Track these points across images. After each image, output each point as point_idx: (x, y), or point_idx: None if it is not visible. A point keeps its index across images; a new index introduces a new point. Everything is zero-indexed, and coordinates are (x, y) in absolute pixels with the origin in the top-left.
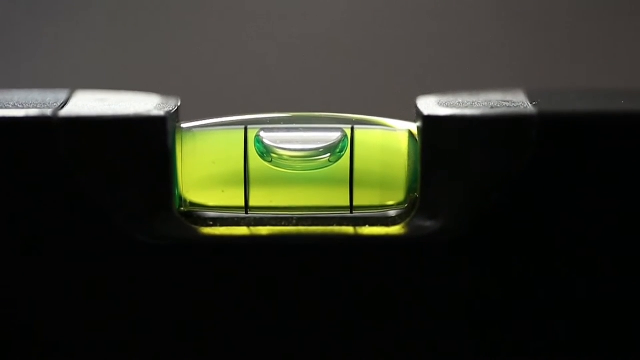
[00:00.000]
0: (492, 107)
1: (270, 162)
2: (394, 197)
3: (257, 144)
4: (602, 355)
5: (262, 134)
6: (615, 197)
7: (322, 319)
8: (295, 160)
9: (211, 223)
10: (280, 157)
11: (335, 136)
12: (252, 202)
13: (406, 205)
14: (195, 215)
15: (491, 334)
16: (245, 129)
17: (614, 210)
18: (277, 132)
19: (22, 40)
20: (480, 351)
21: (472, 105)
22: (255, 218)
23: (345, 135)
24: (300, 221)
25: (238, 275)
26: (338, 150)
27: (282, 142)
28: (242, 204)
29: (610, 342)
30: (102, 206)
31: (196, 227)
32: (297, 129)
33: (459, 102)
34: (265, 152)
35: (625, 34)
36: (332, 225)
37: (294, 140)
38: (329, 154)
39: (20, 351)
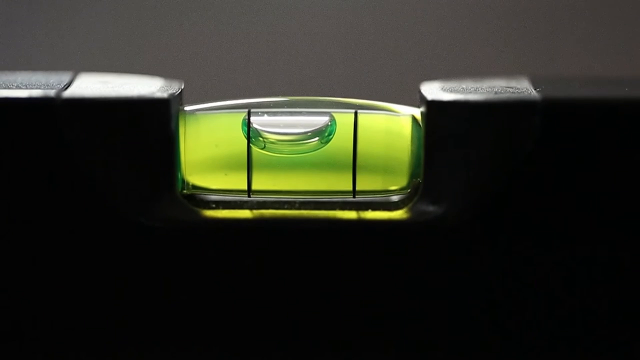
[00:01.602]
0: (495, 93)
1: (262, 148)
2: (396, 182)
3: (245, 128)
4: (603, 341)
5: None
6: (618, 183)
7: (324, 303)
8: (283, 144)
9: (214, 206)
10: (268, 140)
11: (323, 120)
12: (255, 186)
13: (409, 190)
14: (197, 198)
15: (493, 319)
16: (249, 113)
17: (617, 196)
18: (265, 116)
19: (24, 25)
20: (481, 335)
21: (475, 91)
22: (257, 201)
23: (333, 119)
24: (303, 205)
25: (240, 258)
26: (326, 134)
27: (270, 126)
28: (245, 187)
29: (612, 328)
30: (104, 188)
31: (199, 209)
32: (286, 113)
33: (463, 88)
34: (253, 135)
35: (629, 22)
36: (334, 209)
37: (281, 124)
38: (317, 138)
39: (21, 333)
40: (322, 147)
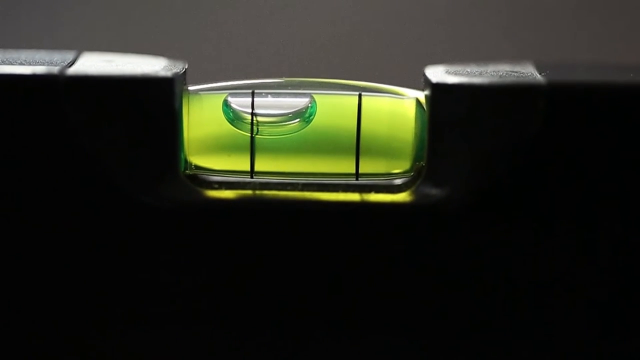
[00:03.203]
0: (500, 77)
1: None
2: (400, 164)
3: (225, 108)
4: (602, 324)
5: (230, 99)
6: (622, 167)
7: (327, 285)
8: (263, 126)
9: (216, 186)
10: (248, 122)
11: (303, 102)
12: (258, 167)
13: (412, 173)
14: (200, 178)
15: (494, 302)
16: (253, 94)
17: (621, 180)
18: (245, 97)
19: (28, 5)
20: (482, 318)
21: (480, 75)
22: (260, 182)
23: (314, 101)
24: (306, 187)
25: (242, 239)
26: (307, 116)
27: (249, 107)
28: (248, 168)
29: (613, 311)
30: (107, 167)
31: (201, 190)
32: (267, 95)
33: (467, 72)
34: (235, 117)
35: (635, 11)
36: (337, 191)
37: (261, 105)
38: (297, 120)
39: (23, 311)
40: (304, 128)
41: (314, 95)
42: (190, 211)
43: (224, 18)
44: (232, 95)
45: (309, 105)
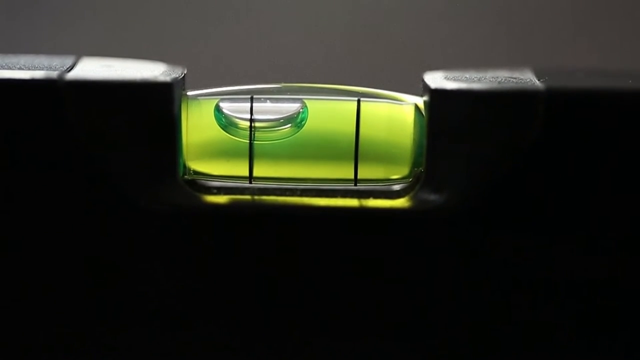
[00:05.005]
0: (499, 83)
1: (232, 133)
2: (398, 170)
3: (217, 114)
4: (602, 325)
5: (221, 104)
6: (620, 173)
7: (324, 290)
8: (256, 131)
9: (215, 191)
10: (242, 128)
11: (294, 107)
12: (256, 172)
13: (410, 179)
14: (199, 183)
15: (493, 307)
16: (251, 99)
17: (620, 185)
18: (238, 102)
19: (25, 9)
20: (481, 322)
21: (479, 81)
22: (259, 188)
23: (305, 106)
24: (304, 192)
25: (240, 244)
26: (298, 121)
27: (242, 112)
28: (246, 173)
29: (613, 312)
30: (105, 171)
31: (200, 195)
32: (261, 100)
33: (466, 77)
34: (227, 123)
35: (633, 18)
36: (336, 197)
37: (254, 111)
38: (289, 125)
39: (22, 312)
40: (296, 134)
41: (308, 101)
42: (188, 216)
43: (224, 23)
44: (223, 100)
45: (300, 110)
